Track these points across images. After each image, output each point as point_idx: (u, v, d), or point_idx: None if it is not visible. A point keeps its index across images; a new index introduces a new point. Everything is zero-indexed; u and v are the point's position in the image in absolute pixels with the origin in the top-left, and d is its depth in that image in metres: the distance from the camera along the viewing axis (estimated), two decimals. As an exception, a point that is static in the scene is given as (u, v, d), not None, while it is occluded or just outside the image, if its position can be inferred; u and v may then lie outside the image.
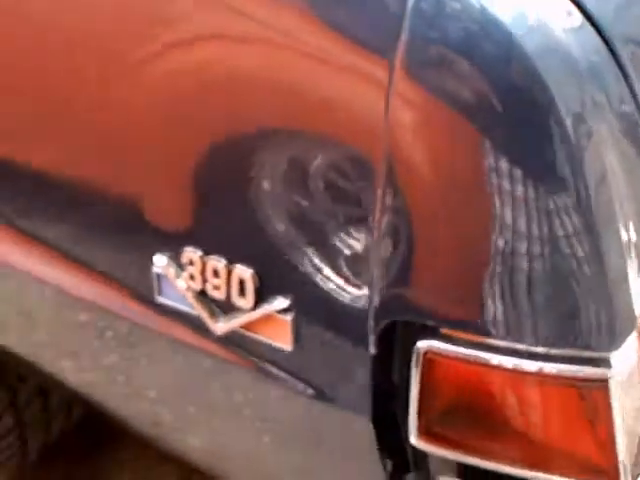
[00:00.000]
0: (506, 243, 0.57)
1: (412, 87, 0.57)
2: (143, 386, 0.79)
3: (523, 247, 0.57)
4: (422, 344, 0.60)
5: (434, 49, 0.57)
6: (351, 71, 0.58)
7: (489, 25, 0.57)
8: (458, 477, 0.68)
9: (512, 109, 0.57)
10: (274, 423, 0.74)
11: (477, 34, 0.57)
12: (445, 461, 0.67)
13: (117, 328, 0.74)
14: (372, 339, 0.62)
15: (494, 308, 0.59)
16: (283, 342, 0.64)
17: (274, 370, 0.67)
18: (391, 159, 0.57)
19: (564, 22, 0.59)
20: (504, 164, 0.57)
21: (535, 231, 0.57)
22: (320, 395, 0.67)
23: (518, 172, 0.56)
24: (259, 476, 0.87)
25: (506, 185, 0.57)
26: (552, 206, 0.56)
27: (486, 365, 0.60)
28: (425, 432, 0.65)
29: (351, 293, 0.61)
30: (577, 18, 0.60)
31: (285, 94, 0.61)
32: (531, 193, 0.56)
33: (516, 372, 0.60)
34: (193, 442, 0.87)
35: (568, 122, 0.56)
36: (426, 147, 0.58)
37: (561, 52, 0.58)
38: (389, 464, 0.69)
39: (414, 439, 0.65)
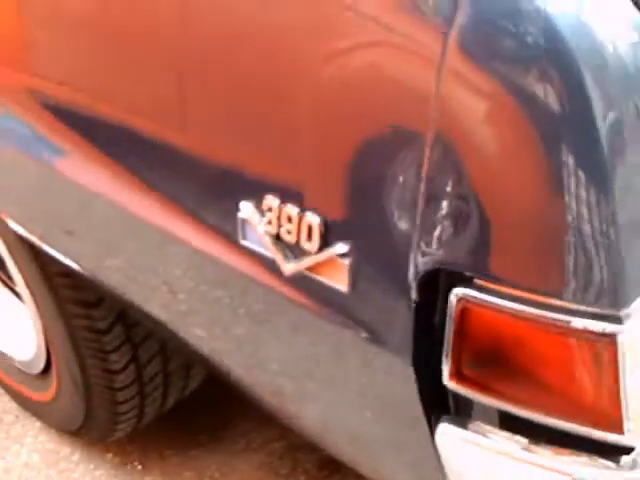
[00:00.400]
0: (544, 203, 0.66)
1: (467, 67, 0.67)
2: (226, 325, 0.93)
3: (558, 209, 0.66)
4: (457, 291, 0.71)
5: (489, 25, 0.65)
6: (406, 46, 0.69)
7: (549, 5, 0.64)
8: (490, 422, 0.78)
9: (567, 89, 0.64)
10: (327, 364, 0.86)
11: (536, 15, 0.64)
12: (479, 405, 0.77)
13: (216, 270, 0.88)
14: (414, 285, 0.73)
15: (524, 263, 0.69)
16: (340, 284, 0.77)
17: (331, 310, 0.79)
18: (440, 132, 0.68)
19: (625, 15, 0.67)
20: (556, 137, 0.65)
21: (568, 194, 0.66)
22: (369, 338, 0.78)
23: (565, 143, 0.65)
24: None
25: (552, 153, 0.65)
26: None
27: (514, 315, 0.70)
28: (456, 374, 0.75)
29: (401, 243, 0.72)
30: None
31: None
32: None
33: (541, 324, 0.70)
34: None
35: None
36: (477, 122, 0.68)
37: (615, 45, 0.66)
38: (429, 408, 0.80)
39: (446, 381, 0.76)
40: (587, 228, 0.66)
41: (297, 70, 0.76)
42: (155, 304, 1.08)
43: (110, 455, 1.70)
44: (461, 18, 0.66)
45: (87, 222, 1.09)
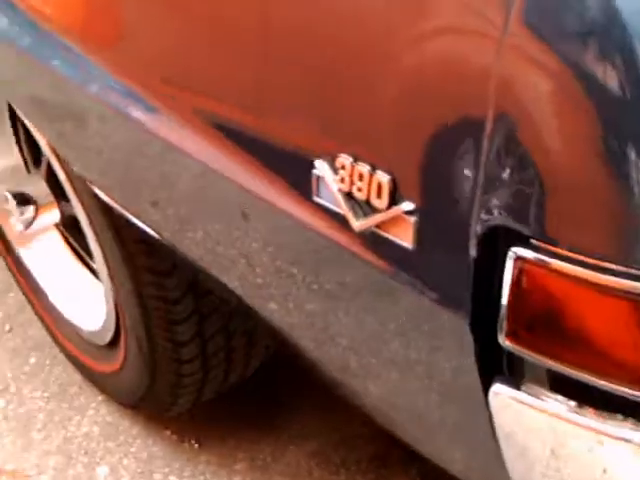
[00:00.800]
0: (604, 171, 0.71)
1: (530, 42, 0.71)
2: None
3: (618, 177, 0.70)
4: (515, 250, 0.76)
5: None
6: (464, 21, 0.74)
7: None
8: (542, 383, 0.82)
9: (627, 68, 0.68)
10: (389, 324, 0.91)
11: None
12: (532, 366, 0.82)
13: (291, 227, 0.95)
14: (473, 242, 0.78)
15: (581, 226, 0.73)
16: (406, 240, 0.82)
17: (396, 266, 0.85)
18: (502, 102, 0.73)
19: None
20: (618, 119, 0.69)
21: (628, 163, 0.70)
22: (430, 295, 0.84)
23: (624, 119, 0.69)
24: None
25: (611, 128, 0.70)
26: None
27: (569, 277, 0.75)
28: (512, 334, 0.80)
29: (463, 202, 0.78)
30: None
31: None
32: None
33: (596, 286, 0.74)
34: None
35: None
36: (536, 94, 0.73)
37: None
38: (482, 368, 0.85)
39: (502, 340, 0.81)
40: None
41: (364, 37, 0.82)
42: (232, 276, 1.15)
43: (168, 432, 1.77)
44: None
45: (172, 193, 1.17)
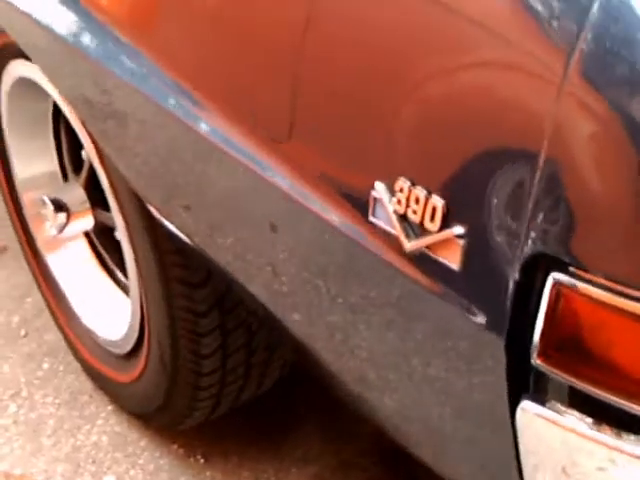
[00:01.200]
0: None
1: (586, 92, 0.83)
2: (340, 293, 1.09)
3: None
4: (555, 275, 0.86)
5: (616, 53, 0.79)
6: (527, 64, 0.84)
7: None
8: (568, 402, 0.91)
9: None
10: (426, 341, 1.01)
11: None
12: (559, 385, 0.91)
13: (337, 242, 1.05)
14: (517, 267, 0.88)
15: (616, 257, 0.83)
16: (453, 262, 0.92)
17: (441, 286, 0.95)
18: (553, 144, 0.83)
19: None
20: None
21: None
22: (470, 314, 0.93)
23: None
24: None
25: None
26: None
27: (602, 303, 0.84)
28: (544, 354, 0.89)
29: (510, 229, 0.88)
30: None
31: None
32: None
33: (627, 313, 0.83)
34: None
35: None
36: (587, 139, 0.84)
37: None
38: (512, 383, 0.94)
39: (534, 359, 0.90)
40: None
41: (431, 69, 0.93)
42: (258, 284, 1.25)
43: (175, 446, 1.85)
44: (583, 44, 0.81)
45: (204, 198, 1.27)
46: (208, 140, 1.16)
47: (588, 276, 0.85)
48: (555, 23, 0.82)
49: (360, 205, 0.98)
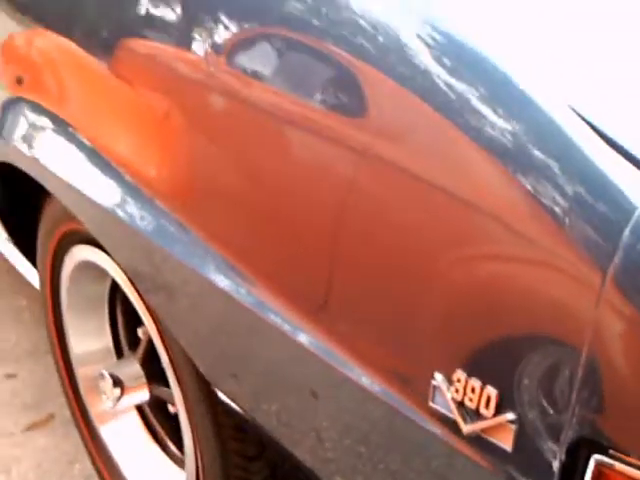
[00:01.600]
0: None
1: (621, 301, 1.00)
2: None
3: None
4: (596, 457, 1.01)
5: None
6: (567, 273, 1.02)
7: None
8: None
9: None
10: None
11: None
12: None
13: (396, 424, 1.20)
14: (563, 449, 1.03)
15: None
16: (506, 444, 1.07)
17: (495, 466, 1.09)
18: (592, 346, 1.00)
19: None
20: None
21: None
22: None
23: None
24: None
25: None
26: None
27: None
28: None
29: (556, 416, 1.04)
30: None
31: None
32: None
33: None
34: None
35: None
36: (622, 344, 1.00)
37: None
38: None
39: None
40: None
41: (481, 273, 1.11)
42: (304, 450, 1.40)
43: None
44: (619, 259, 0.99)
45: (251, 367, 1.43)
46: (252, 312, 1.34)
47: (626, 458, 1.00)
48: (593, 242, 1.00)
49: (419, 392, 1.14)
